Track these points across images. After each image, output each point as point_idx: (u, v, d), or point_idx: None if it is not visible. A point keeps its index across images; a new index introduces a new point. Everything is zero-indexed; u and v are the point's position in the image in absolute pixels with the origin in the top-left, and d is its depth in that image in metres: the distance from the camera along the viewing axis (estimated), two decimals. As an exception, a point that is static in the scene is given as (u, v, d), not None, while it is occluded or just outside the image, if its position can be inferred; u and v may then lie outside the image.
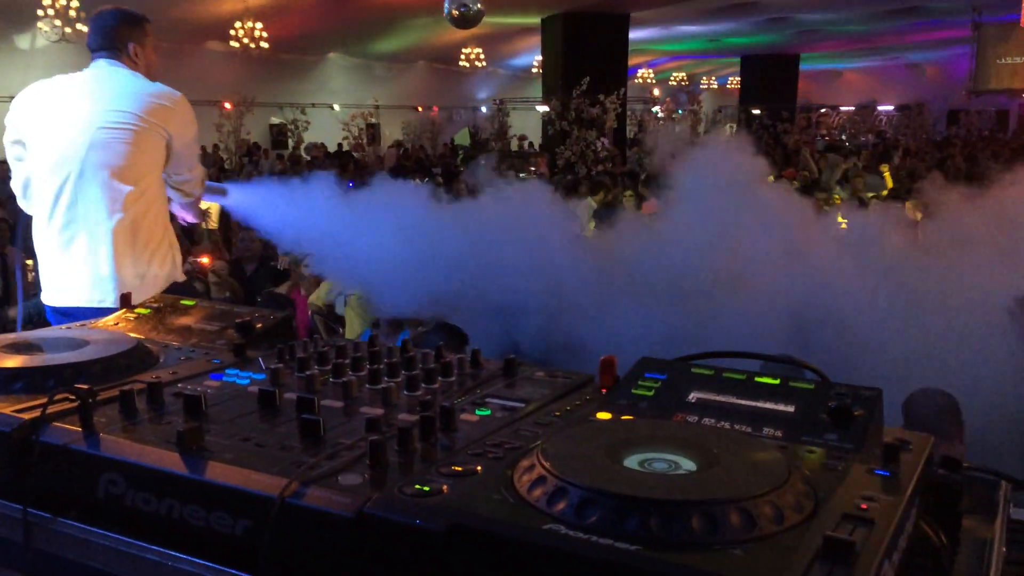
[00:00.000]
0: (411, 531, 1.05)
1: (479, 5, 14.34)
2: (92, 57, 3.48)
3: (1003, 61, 20.19)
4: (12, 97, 3.48)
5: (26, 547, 1.29)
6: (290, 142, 22.63)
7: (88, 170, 3.27)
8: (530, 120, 25.47)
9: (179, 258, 3.63)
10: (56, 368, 1.50)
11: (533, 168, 16.53)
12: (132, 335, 1.75)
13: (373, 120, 24.81)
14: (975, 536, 1.29)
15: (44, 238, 3.40)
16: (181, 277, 3.64)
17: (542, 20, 21.01)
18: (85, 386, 1.38)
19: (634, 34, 21.26)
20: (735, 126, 25.50)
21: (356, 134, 23.12)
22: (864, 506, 1.05)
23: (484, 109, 27.61)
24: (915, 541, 1.18)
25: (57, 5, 15.50)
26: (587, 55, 19.23)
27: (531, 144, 24.69)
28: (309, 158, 19.77)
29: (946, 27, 22.57)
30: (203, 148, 19.67)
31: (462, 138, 25.93)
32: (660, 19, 22.05)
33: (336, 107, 24.55)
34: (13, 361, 1.53)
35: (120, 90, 3.34)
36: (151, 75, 3.53)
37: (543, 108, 21.06)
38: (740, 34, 24.55)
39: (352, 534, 1.08)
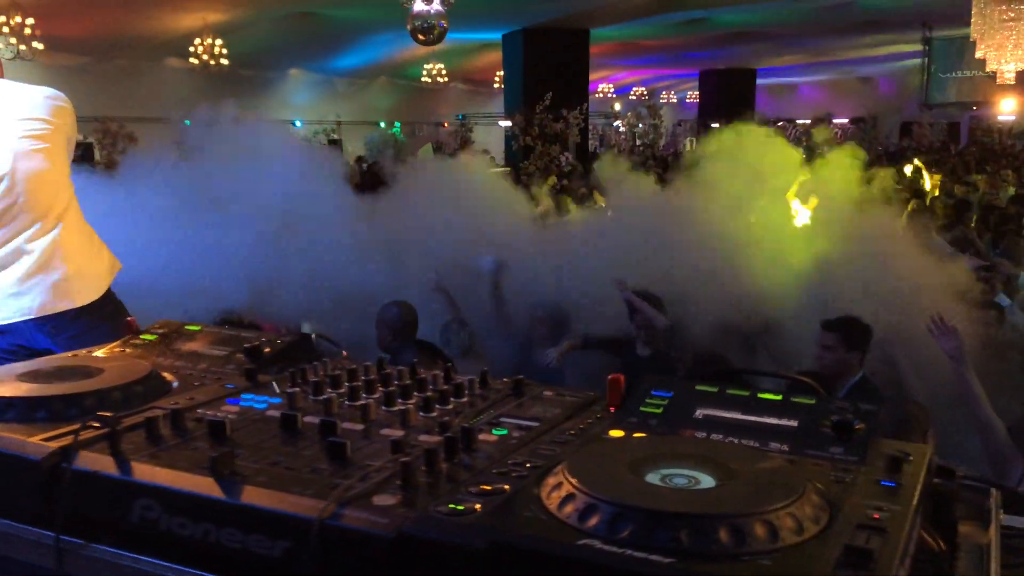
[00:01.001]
0: (450, 549, 1.10)
1: (442, 22, 14.43)
2: None
3: (954, 75, 20.71)
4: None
5: (58, 573, 1.31)
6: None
7: (17, 184, 3.08)
8: (492, 135, 25.60)
9: (107, 250, 3.39)
10: (77, 396, 1.52)
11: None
12: (144, 362, 1.78)
13: (335, 136, 24.77)
14: (971, 541, 1.36)
15: None
16: (119, 265, 3.43)
17: (503, 36, 21.17)
18: (108, 414, 1.42)
19: (594, 49, 21.51)
20: (695, 140, 25.84)
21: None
22: (876, 516, 1.12)
23: (446, 124, 27.71)
24: (917, 547, 1.25)
25: (12, 23, 15.33)
26: (548, 70, 19.42)
27: (493, 158, 24.81)
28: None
29: (898, 41, 23.12)
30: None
31: (425, 153, 25.95)
32: (619, 35, 22.34)
33: (298, 123, 24.48)
34: (32, 389, 1.55)
35: (21, 98, 3.14)
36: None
37: (505, 123, 21.20)
38: (698, 48, 24.93)
39: (392, 554, 1.13)
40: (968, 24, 17.13)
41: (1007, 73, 16.96)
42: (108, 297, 3.24)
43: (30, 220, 3.10)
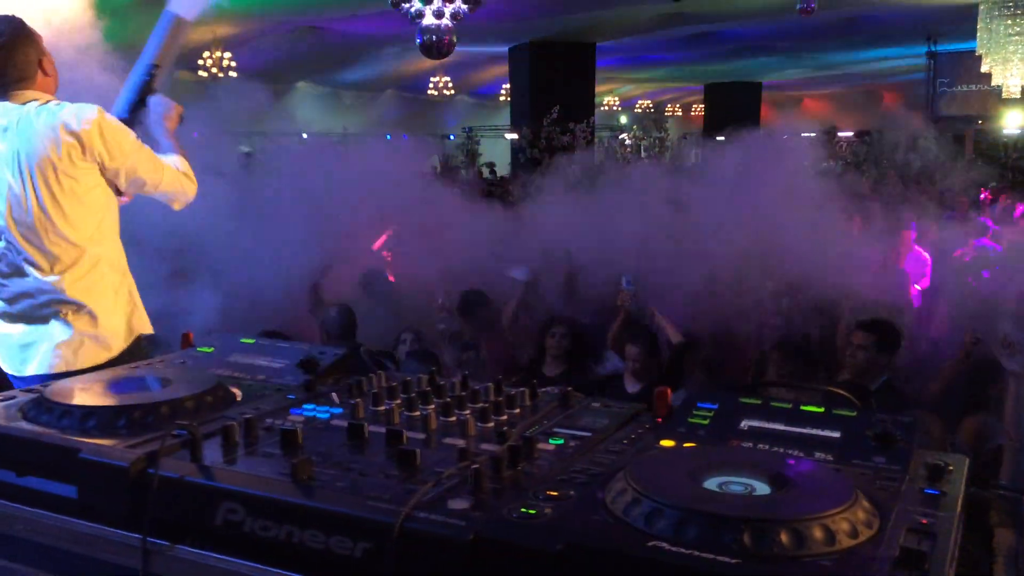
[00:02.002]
0: (527, 551, 1.17)
1: (452, 37, 14.56)
2: None
3: (959, 88, 20.81)
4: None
5: (144, 574, 1.39)
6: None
7: (15, 232, 2.84)
8: (498, 147, 25.73)
9: (140, 309, 3.08)
10: (154, 406, 1.60)
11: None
12: (210, 373, 1.86)
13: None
14: (1006, 547, 1.44)
15: None
16: (147, 329, 3.11)
17: (509, 49, 21.32)
18: (186, 423, 1.50)
19: (600, 63, 21.65)
20: (700, 153, 25.93)
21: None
22: (924, 521, 1.20)
23: (452, 137, 27.85)
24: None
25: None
26: (555, 84, 19.54)
27: (493, 171, 24.95)
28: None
29: (904, 55, 23.23)
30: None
31: (431, 164, 26.09)
32: (625, 48, 22.49)
33: (304, 136, 24.62)
34: (110, 399, 1.63)
35: (36, 128, 2.78)
36: (56, 85, 2.97)
37: (512, 136, 21.31)
38: (704, 62, 25.06)
39: (469, 555, 1.20)
40: (973, 38, 17.25)
41: (1012, 87, 17.05)
42: (127, 357, 2.91)
43: (33, 271, 2.89)
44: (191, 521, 1.39)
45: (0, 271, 2.94)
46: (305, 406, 1.73)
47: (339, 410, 1.72)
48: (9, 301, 2.96)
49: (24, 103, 2.83)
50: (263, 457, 1.47)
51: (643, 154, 23.87)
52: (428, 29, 14.76)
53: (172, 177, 3.01)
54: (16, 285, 2.93)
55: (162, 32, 3.28)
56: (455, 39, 14.86)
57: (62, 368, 2.90)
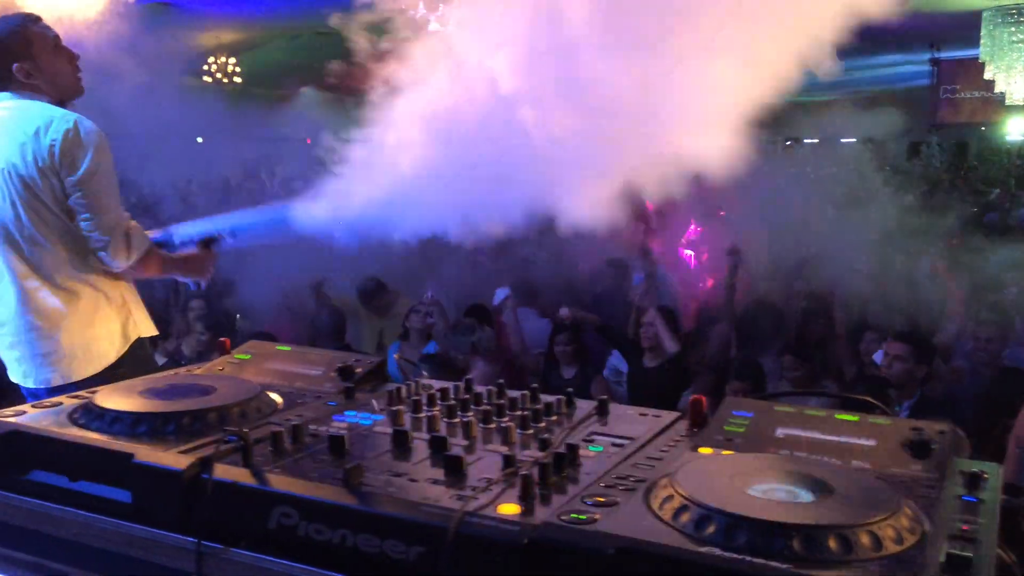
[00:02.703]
0: (580, 555, 1.21)
1: (457, 42, 14.62)
2: None
3: (962, 95, 20.85)
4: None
5: (198, 576, 1.42)
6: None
7: (4, 234, 2.84)
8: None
9: (136, 308, 3.05)
10: (202, 412, 1.64)
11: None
12: (252, 381, 1.89)
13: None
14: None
15: None
16: (147, 332, 3.09)
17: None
18: (236, 429, 1.53)
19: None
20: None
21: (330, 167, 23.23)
22: (965, 527, 1.23)
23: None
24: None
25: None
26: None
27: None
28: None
29: (907, 62, 23.27)
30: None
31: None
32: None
33: (309, 140, 24.69)
34: (159, 406, 1.66)
35: (13, 139, 2.78)
36: (60, 87, 2.92)
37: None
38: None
39: (523, 559, 1.23)
40: (976, 45, 17.31)
41: (1015, 94, 17.10)
42: (123, 367, 2.95)
43: (21, 286, 2.89)
44: (244, 525, 1.42)
45: None
46: (347, 413, 1.77)
47: (380, 417, 1.75)
48: None
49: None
50: (313, 462, 1.51)
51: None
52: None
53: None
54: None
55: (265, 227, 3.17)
56: (460, 45, 14.94)
57: (59, 382, 2.90)
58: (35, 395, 2.95)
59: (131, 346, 3.00)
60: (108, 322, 2.96)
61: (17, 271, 2.87)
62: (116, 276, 2.96)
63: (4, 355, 3.02)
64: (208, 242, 3.15)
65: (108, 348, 2.96)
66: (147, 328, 3.08)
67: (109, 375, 2.88)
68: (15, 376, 3.02)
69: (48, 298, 2.88)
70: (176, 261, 3.11)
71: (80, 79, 2.99)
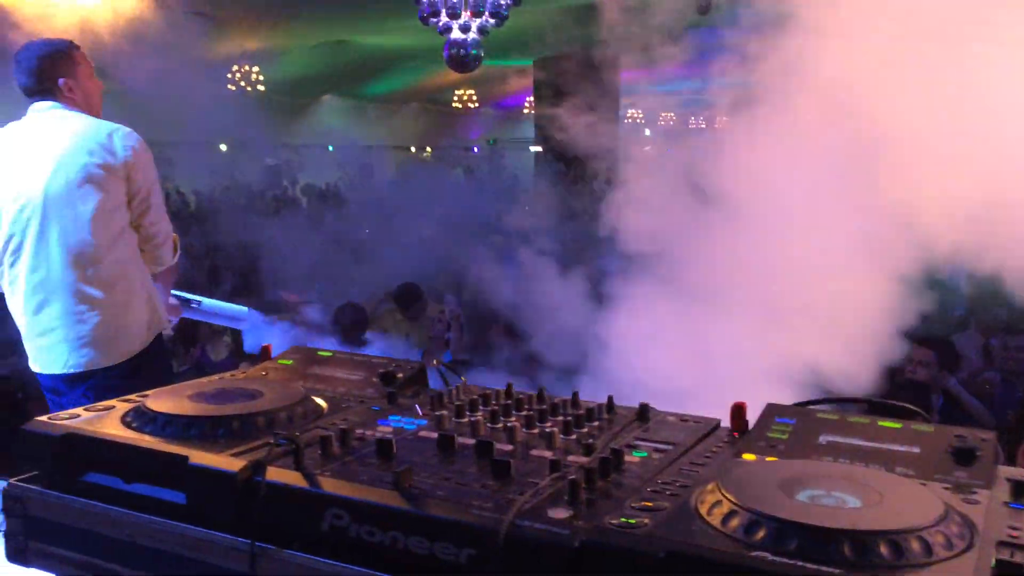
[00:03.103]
0: (631, 559, 1.23)
1: (479, 51, 14.68)
2: (28, 101, 3.28)
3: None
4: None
5: (252, 577, 1.45)
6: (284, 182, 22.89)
7: (48, 229, 3.11)
8: (521, 159, 25.86)
9: (158, 305, 3.38)
10: (251, 416, 1.67)
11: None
12: (298, 386, 1.92)
13: (366, 160, 25.12)
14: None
15: (14, 306, 3.25)
16: (164, 326, 3.41)
17: (534, 62, 21.47)
18: (286, 432, 1.56)
19: (624, 75, 21.73)
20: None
21: (351, 174, 23.40)
22: (1014, 534, 1.24)
23: (476, 149, 28.06)
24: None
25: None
26: (579, 96, 19.60)
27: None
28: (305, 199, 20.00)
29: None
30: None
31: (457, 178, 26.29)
32: (650, 61, 22.56)
33: (331, 148, 24.86)
34: (209, 410, 1.69)
35: (65, 137, 3.14)
36: (91, 105, 3.33)
37: (536, 148, 21.42)
38: (729, 74, 25.09)
39: (574, 562, 1.25)
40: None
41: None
42: (146, 357, 3.25)
43: (60, 271, 3.14)
44: (297, 526, 1.45)
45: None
46: (391, 417, 1.79)
47: (423, 421, 1.78)
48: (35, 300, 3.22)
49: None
50: (361, 466, 1.53)
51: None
52: (456, 43, 14.89)
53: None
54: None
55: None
56: (482, 53, 15.01)
57: (91, 367, 3.21)
58: (54, 385, 3.09)
59: (154, 339, 3.32)
60: (138, 313, 3.28)
61: (66, 259, 3.15)
62: (145, 273, 3.32)
63: (34, 343, 3.25)
64: (184, 301, 3.91)
65: (135, 337, 3.26)
66: (162, 323, 3.42)
67: (135, 363, 3.23)
68: (41, 363, 3.23)
69: (88, 287, 3.16)
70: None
71: (101, 104, 3.47)
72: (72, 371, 3.19)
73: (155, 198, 3.25)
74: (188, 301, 3.95)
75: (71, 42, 3.36)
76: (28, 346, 3.28)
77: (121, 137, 3.19)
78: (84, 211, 3.12)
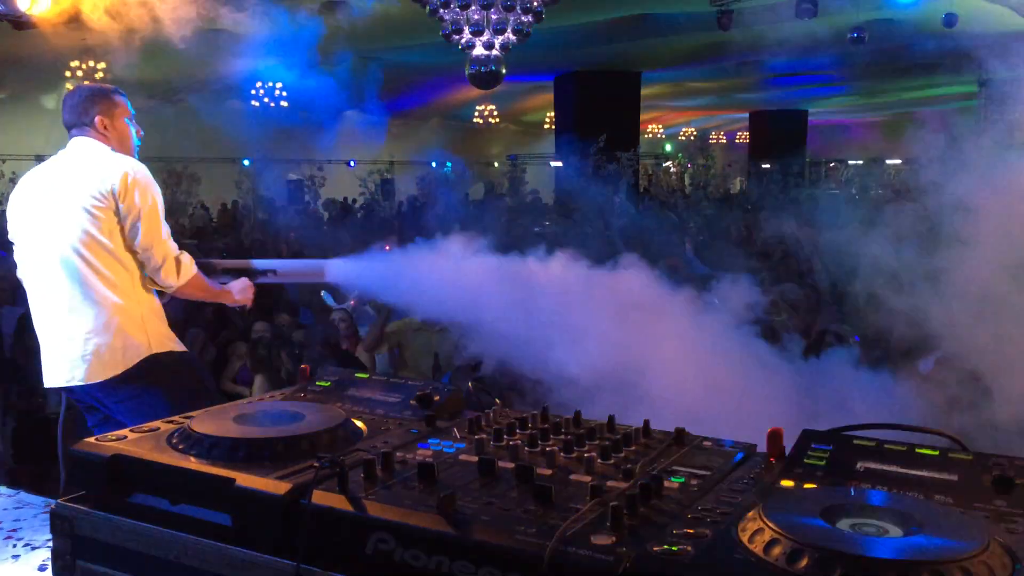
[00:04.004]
0: (675, 585, 1.24)
1: (501, 67, 14.76)
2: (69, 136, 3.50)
3: (1011, 117, 20.55)
4: (38, 156, 3.59)
5: (296, 598, 1.48)
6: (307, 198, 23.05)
7: (66, 251, 3.27)
8: (541, 175, 25.91)
9: (161, 328, 3.46)
10: (295, 439, 1.70)
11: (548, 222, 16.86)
12: (338, 408, 1.95)
13: (388, 176, 25.25)
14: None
15: (39, 322, 3.43)
16: (170, 346, 3.48)
17: (555, 78, 21.55)
18: (329, 455, 1.59)
19: (645, 91, 21.80)
20: (745, 180, 25.94)
21: (372, 189, 23.52)
22: (1056, 564, 1.25)
23: (496, 164, 28.17)
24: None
25: (84, 66, 15.91)
26: (599, 112, 19.68)
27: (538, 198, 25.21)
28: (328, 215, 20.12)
29: (954, 83, 23.04)
30: (224, 205, 20.14)
31: (475, 193, 26.38)
32: (671, 76, 22.60)
33: (352, 163, 25.00)
34: (253, 432, 1.73)
35: (88, 167, 3.33)
36: (124, 146, 3.51)
37: (557, 164, 21.50)
38: (749, 90, 25.10)
39: (618, 588, 1.27)
40: (1025, 67, 17.17)
41: (1066, 116, 16.93)
42: (157, 365, 3.34)
43: (70, 292, 3.28)
44: (342, 549, 1.48)
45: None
46: (430, 440, 1.82)
47: (462, 445, 1.80)
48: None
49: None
50: (405, 489, 1.56)
51: (687, 182, 23.99)
52: (478, 60, 14.98)
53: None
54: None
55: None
56: (504, 70, 15.10)
57: (92, 379, 3.30)
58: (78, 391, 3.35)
59: (144, 359, 3.35)
60: (128, 334, 3.36)
61: (70, 284, 3.29)
62: (139, 298, 3.41)
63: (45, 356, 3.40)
64: (251, 274, 3.76)
65: (121, 357, 3.33)
66: (164, 344, 3.45)
67: (141, 377, 3.32)
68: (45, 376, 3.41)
69: (87, 306, 3.30)
70: (218, 289, 3.66)
71: (138, 149, 3.58)
72: (79, 383, 3.35)
73: (146, 223, 3.33)
74: (262, 271, 3.82)
75: (116, 88, 3.58)
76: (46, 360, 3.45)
77: (111, 170, 3.32)
78: (86, 240, 3.29)
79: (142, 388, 3.30)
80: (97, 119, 3.44)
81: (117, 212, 3.30)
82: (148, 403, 3.25)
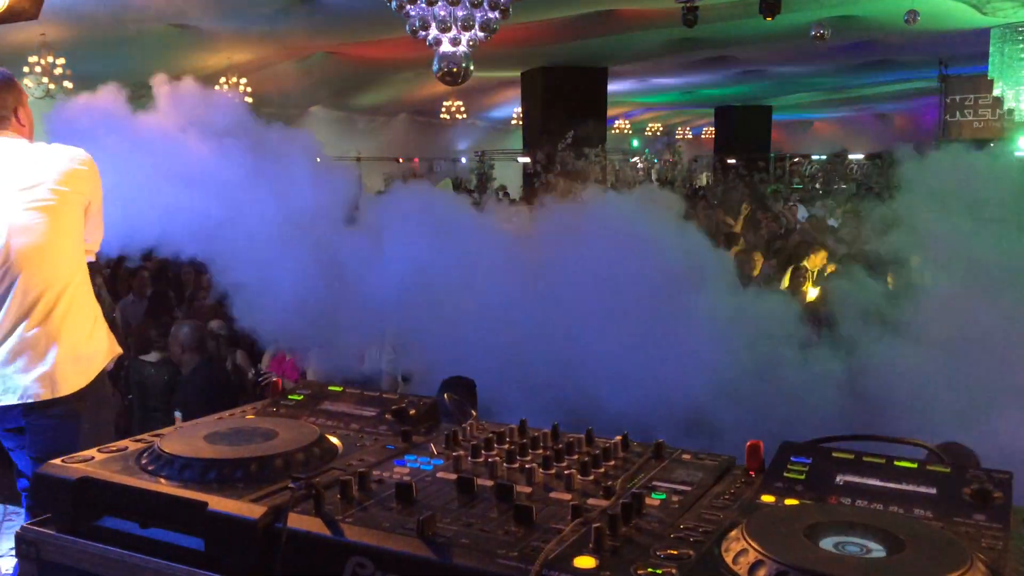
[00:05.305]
0: (661, 610, 1.23)
1: (469, 65, 14.70)
2: None
3: (969, 113, 20.90)
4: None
5: (273, 625, 1.44)
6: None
7: (10, 259, 2.97)
8: (509, 171, 25.88)
9: (107, 330, 3.25)
10: (269, 459, 1.66)
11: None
12: (313, 425, 1.92)
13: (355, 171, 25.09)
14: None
15: None
16: (118, 350, 3.30)
17: (522, 73, 21.50)
18: (302, 476, 1.56)
19: (612, 86, 21.82)
20: (711, 175, 26.09)
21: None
22: (1038, 581, 1.25)
23: (464, 160, 28.09)
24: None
25: (43, 63, 15.62)
26: (567, 107, 19.68)
27: (507, 194, 25.15)
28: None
29: (914, 78, 23.35)
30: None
31: (444, 187, 26.28)
32: (637, 72, 22.66)
33: (318, 159, 24.81)
34: (225, 452, 1.69)
35: (29, 164, 3.04)
36: (31, 134, 3.23)
37: (524, 159, 21.47)
38: (714, 86, 25.23)
39: (603, 613, 1.25)
40: (985, 62, 17.39)
41: (1024, 110, 17.16)
42: (93, 389, 3.08)
43: (25, 299, 2.99)
44: (319, 573, 1.45)
45: None
46: (407, 457, 1.79)
47: (440, 461, 1.77)
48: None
49: None
50: (382, 510, 1.53)
51: (653, 177, 24.09)
52: (445, 56, 14.90)
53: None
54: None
55: None
56: (471, 67, 15.03)
57: (48, 396, 3.00)
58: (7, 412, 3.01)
59: (100, 373, 3.14)
60: (97, 341, 3.17)
61: (20, 287, 2.99)
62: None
63: None
64: None
65: (89, 369, 3.10)
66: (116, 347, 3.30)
67: (76, 400, 3.03)
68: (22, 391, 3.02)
69: (55, 316, 3.02)
70: None
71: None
72: (30, 400, 3.01)
73: (100, 211, 3.23)
74: None
75: (8, 72, 3.23)
76: None
77: (76, 159, 3.11)
78: (40, 239, 3.02)
79: (65, 416, 3.02)
80: (19, 112, 3.14)
81: (84, 200, 3.12)
82: (55, 434, 2.97)
